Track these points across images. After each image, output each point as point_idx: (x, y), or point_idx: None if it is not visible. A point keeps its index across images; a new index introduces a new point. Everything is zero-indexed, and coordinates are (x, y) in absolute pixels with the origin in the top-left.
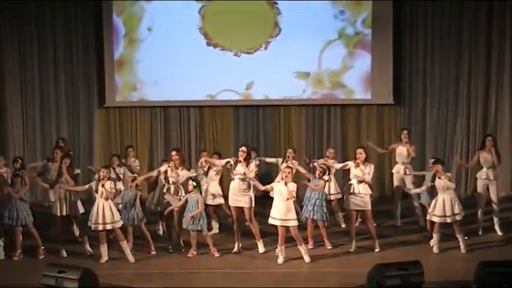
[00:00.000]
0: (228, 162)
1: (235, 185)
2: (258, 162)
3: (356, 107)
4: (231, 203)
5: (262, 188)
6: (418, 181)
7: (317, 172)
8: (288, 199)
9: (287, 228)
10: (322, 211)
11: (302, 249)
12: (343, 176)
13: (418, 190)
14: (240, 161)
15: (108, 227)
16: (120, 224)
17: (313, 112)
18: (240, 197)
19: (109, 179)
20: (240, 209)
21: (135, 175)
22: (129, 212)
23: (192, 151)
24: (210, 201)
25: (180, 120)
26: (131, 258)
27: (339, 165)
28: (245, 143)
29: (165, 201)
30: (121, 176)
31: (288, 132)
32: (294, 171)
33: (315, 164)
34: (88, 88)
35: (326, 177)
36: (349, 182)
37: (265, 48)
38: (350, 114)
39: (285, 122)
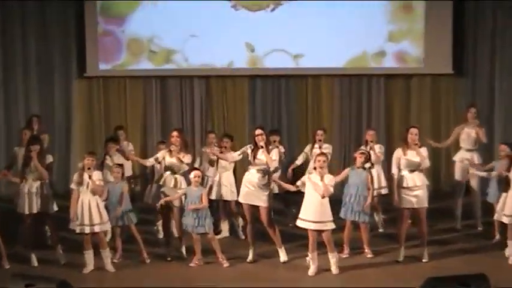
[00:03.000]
0: (244, 152)
1: (251, 177)
2: (283, 150)
3: (404, 77)
4: (243, 199)
5: (291, 187)
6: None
7: (358, 160)
8: (323, 196)
9: (320, 232)
10: (367, 211)
11: (333, 257)
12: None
13: (481, 173)
14: (262, 147)
15: (96, 229)
16: (109, 225)
17: (350, 84)
18: (255, 193)
19: (101, 167)
20: (255, 208)
21: (121, 164)
22: (115, 209)
23: (196, 132)
24: (226, 196)
25: (181, 94)
26: (110, 268)
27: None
28: (261, 125)
29: (163, 196)
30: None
31: (318, 109)
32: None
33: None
34: (65, 53)
35: (367, 165)
36: (400, 174)
37: (272, 10)
38: (396, 87)
39: (314, 96)
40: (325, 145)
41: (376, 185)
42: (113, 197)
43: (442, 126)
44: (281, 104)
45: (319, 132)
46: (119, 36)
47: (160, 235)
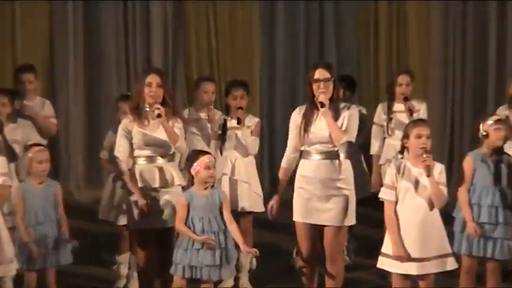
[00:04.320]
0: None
1: (311, 170)
2: (363, 110)
3: None
4: (303, 215)
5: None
6: None
7: (493, 137)
8: (433, 207)
9: (422, 277)
10: (506, 241)
11: None
12: None
13: None
14: (323, 106)
15: None
16: (14, 268)
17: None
18: (323, 202)
19: None
20: (317, 230)
21: (41, 144)
22: (45, 240)
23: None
24: (243, 203)
25: (125, 22)
26: None
27: None
28: (327, 63)
29: (135, 209)
30: (16, 148)
31: (398, 46)
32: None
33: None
34: None
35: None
36: None
37: None
38: None
39: (390, 29)
40: (415, 103)
41: None
42: (34, 210)
43: None
44: (326, 38)
45: (403, 78)
46: None
47: (122, 281)
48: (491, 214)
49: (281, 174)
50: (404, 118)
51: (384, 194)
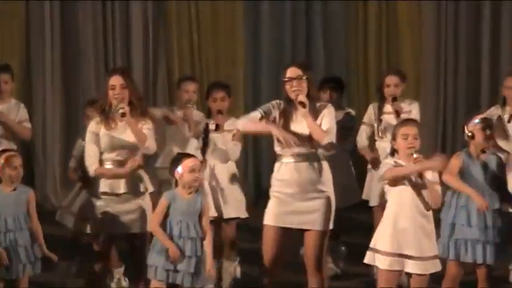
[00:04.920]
0: (267, 114)
1: (288, 173)
2: (352, 112)
3: None
4: (274, 218)
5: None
6: None
7: (478, 139)
8: (428, 209)
9: (418, 277)
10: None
11: None
12: None
13: None
14: (303, 105)
15: None
16: None
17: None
18: (299, 205)
19: None
20: (286, 236)
21: (12, 150)
22: (15, 248)
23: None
24: (225, 210)
25: (103, 22)
26: None
27: None
28: (302, 62)
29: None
30: None
31: (388, 46)
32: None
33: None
34: None
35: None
36: None
37: None
38: None
39: (380, 28)
40: (407, 104)
41: None
42: (4, 216)
43: None
44: (313, 34)
45: (391, 79)
46: None
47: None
48: (480, 217)
49: None
50: (392, 120)
51: (384, 166)
